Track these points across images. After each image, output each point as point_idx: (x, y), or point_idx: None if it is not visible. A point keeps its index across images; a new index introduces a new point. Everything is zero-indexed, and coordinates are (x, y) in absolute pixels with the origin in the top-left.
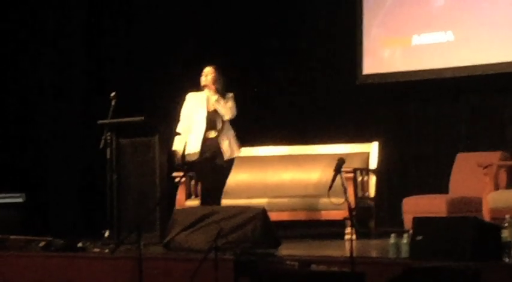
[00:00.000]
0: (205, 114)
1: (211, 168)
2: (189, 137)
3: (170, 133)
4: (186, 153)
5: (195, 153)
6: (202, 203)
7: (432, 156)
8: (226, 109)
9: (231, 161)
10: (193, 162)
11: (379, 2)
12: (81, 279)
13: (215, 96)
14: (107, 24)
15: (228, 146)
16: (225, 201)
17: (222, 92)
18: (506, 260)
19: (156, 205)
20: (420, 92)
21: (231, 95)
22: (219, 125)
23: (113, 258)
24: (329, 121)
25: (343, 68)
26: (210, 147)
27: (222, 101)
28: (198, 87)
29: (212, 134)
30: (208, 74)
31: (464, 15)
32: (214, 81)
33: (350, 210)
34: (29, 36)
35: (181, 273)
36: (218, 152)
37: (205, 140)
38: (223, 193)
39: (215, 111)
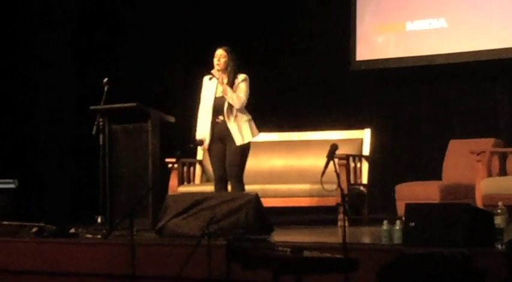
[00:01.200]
0: (212, 99)
1: (222, 153)
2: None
3: (166, 119)
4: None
5: (205, 138)
6: (216, 188)
7: (425, 142)
8: (234, 99)
9: (243, 147)
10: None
11: None
12: (74, 265)
13: (221, 88)
14: (102, 9)
15: (238, 131)
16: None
17: (233, 77)
18: (499, 246)
19: (149, 191)
20: (413, 79)
21: (242, 77)
22: (226, 110)
23: (105, 244)
24: (322, 107)
25: (336, 54)
26: (218, 131)
27: (229, 92)
28: (201, 72)
29: (220, 119)
30: (220, 58)
31: (457, 2)
32: (227, 66)
33: (343, 196)
34: (22, 21)
35: (174, 259)
36: (227, 136)
37: (214, 125)
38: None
39: (223, 96)
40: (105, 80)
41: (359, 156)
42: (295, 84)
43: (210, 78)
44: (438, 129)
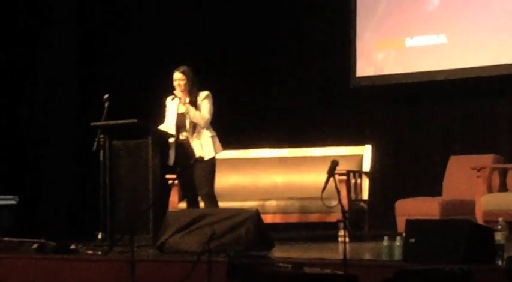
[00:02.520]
0: (175, 117)
1: (190, 173)
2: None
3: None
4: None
5: (171, 158)
6: (187, 206)
7: (425, 158)
8: (197, 118)
9: (207, 163)
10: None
11: (373, 5)
12: (74, 281)
13: (184, 108)
14: (101, 26)
15: (200, 147)
16: (219, 204)
17: (195, 96)
18: (499, 262)
19: (149, 207)
20: (413, 95)
21: (204, 94)
22: (189, 126)
23: (105, 260)
24: (322, 123)
25: (336, 70)
26: (182, 149)
27: (191, 111)
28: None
29: (183, 136)
30: (180, 82)
31: (457, 18)
32: (187, 87)
33: (343, 212)
34: (23, 37)
35: (175, 276)
36: (191, 153)
37: (178, 143)
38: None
39: (183, 114)
40: (106, 96)
41: (359, 172)
42: (295, 100)
43: (173, 99)
44: (438, 145)
